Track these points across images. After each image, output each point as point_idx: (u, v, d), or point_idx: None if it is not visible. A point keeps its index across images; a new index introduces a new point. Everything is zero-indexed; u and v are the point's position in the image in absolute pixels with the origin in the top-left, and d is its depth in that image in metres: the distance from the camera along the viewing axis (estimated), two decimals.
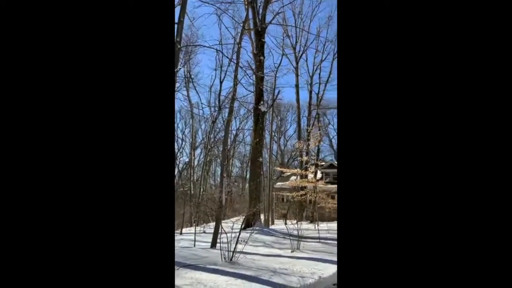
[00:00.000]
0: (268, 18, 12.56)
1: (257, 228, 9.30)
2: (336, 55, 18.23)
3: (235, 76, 6.91)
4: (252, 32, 12.00)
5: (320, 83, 18.42)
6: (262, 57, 11.65)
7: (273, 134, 18.84)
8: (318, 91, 18.40)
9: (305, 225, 11.29)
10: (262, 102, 11.41)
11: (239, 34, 8.11)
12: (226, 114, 9.75)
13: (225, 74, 15.79)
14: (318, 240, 7.83)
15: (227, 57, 9.54)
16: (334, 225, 12.51)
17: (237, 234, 5.53)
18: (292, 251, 6.24)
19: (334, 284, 4.55)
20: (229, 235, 5.41)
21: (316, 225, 10.35)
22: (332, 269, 4.85)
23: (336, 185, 16.72)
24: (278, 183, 19.16)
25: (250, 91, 12.91)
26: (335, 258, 5.70)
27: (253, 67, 12.05)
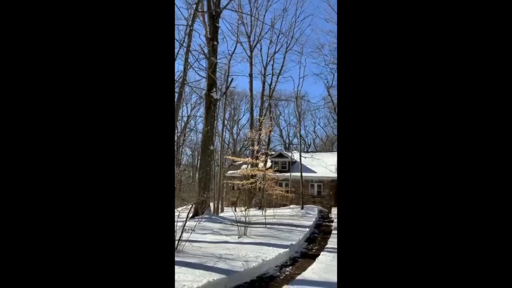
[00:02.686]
0: (223, 2, 12.20)
1: (205, 216, 9.26)
2: (288, 47, 18.76)
3: (186, 60, 6.58)
4: (206, 15, 11.52)
5: (273, 74, 18.81)
6: (215, 42, 11.32)
7: (225, 122, 18.69)
8: (271, 82, 18.79)
9: (253, 211, 11.63)
10: (214, 89, 11.16)
11: (191, 16, 7.70)
12: (175, 99, 9.30)
13: (176, 56, 14.99)
14: (264, 226, 8.16)
15: (177, 40, 9.00)
16: (280, 210, 13.16)
17: (184, 222, 5.43)
18: (239, 237, 6.38)
19: (276, 266, 4.84)
20: (175, 223, 5.28)
21: (264, 211, 10.74)
22: (275, 252, 5.12)
23: (283, 173, 17.56)
24: (230, 172, 19.25)
25: (202, 76, 12.52)
26: (279, 242, 6.03)
27: (206, 51, 11.65)
